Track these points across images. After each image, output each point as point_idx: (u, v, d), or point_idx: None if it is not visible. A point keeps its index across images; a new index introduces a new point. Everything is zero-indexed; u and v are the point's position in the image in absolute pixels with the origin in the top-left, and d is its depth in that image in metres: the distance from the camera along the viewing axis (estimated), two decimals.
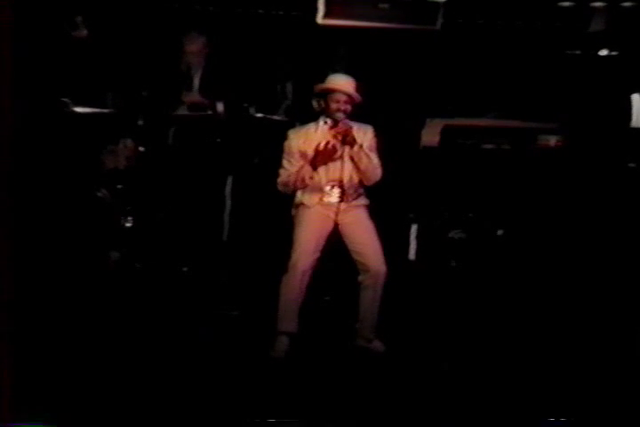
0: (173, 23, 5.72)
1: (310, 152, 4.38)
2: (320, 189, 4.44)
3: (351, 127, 4.36)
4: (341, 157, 4.38)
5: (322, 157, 4.34)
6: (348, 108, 4.37)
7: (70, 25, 5.44)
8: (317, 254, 4.31)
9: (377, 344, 4.39)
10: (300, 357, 4.24)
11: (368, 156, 4.40)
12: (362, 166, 4.39)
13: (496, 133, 5.68)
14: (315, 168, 4.37)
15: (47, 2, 5.20)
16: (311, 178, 4.39)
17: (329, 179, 4.43)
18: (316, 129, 4.45)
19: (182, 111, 5.47)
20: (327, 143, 4.32)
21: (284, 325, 4.28)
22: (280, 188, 4.49)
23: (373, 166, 4.43)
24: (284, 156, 4.46)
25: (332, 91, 4.36)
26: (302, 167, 4.38)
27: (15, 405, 2.70)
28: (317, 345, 4.39)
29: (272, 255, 4.72)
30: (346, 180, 4.41)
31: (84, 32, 5.47)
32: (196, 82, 5.58)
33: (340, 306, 4.69)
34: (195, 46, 5.54)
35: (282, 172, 4.46)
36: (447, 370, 4.15)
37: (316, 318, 4.54)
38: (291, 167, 4.42)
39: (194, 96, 5.54)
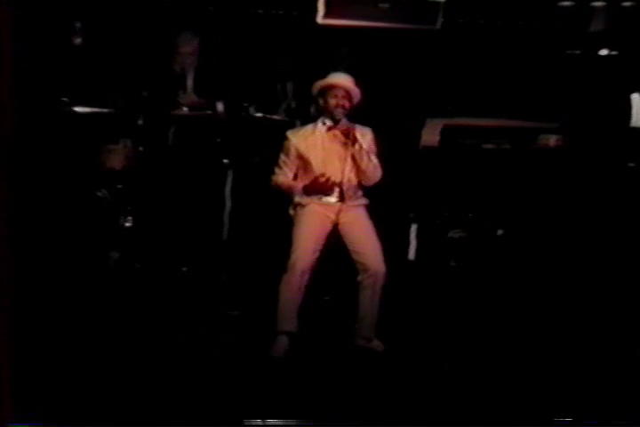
0: (173, 23, 5.73)
1: (307, 153, 4.41)
2: None
3: (353, 126, 4.38)
4: (341, 157, 4.41)
5: (317, 188, 4.39)
6: (347, 103, 4.39)
7: (69, 25, 5.44)
8: (317, 254, 4.32)
9: (376, 344, 4.39)
10: (299, 357, 4.24)
11: (369, 155, 4.41)
12: (362, 166, 4.40)
13: (496, 133, 5.68)
14: (308, 195, 4.41)
15: (47, 2, 5.20)
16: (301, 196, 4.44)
17: None
18: (314, 130, 4.47)
19: (182, 111, 5.47)
20: (327, 179, 4.35)
21: (283, 324, 4.28)
22: (272, 184, 4.55)
23: (373, 166, 4.44)
24: (281, 155, 4.51)
25: (330, 87, 4.37)
26: (296, 185, 4.43)
27: (15, 405, 2.70)
28: (317, 345, 4.39)
29: (272, 255, 4.71)
30: (345, 180, 4.43)
31: (84, 32, 5.47)
32: (191, 82, 5.59)
33: (340, 306, 4.68)
34: (190, 47, 5.55)
35: (277, 170, 4.52)
36: (447, 370, 4.15)
37: (315, 317, 4.54)
38: (286, 167, 4.48)
39: (190, 97, 5.54)
